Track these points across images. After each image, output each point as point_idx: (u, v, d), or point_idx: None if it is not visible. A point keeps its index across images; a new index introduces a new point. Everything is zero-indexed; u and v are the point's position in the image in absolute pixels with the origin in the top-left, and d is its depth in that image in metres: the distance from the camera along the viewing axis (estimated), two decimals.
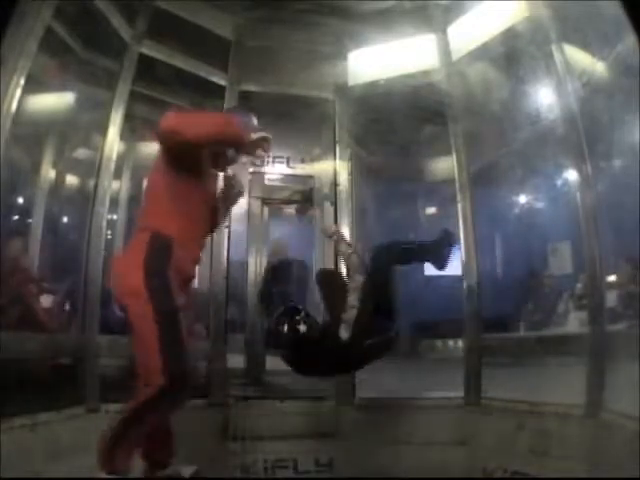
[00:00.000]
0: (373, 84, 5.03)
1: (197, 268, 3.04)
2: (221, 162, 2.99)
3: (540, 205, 8.05)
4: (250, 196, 5.77)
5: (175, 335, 2.45)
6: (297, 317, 3.10)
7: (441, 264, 3.44)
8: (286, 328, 3.07)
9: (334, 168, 4.98)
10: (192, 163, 2.68)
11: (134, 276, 2.47)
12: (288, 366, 3.29)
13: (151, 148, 5.45)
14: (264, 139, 2.75)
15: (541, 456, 3.38)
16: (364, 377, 4.48)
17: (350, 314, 3.20)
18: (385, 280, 3.35)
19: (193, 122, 2.56)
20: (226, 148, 2.88)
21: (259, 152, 2.82)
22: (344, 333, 3.14)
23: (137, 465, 2.71)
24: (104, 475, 2.41)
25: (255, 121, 3.09)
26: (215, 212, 3.00)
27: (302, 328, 3.05)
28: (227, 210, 3.20)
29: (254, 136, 2.70)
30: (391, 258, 3.39)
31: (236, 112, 3.13)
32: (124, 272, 2.59)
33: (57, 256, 5.01)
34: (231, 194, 3.11)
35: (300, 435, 4.12)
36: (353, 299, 3.25)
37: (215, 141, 2.65)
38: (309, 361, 3.21)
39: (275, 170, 5.36)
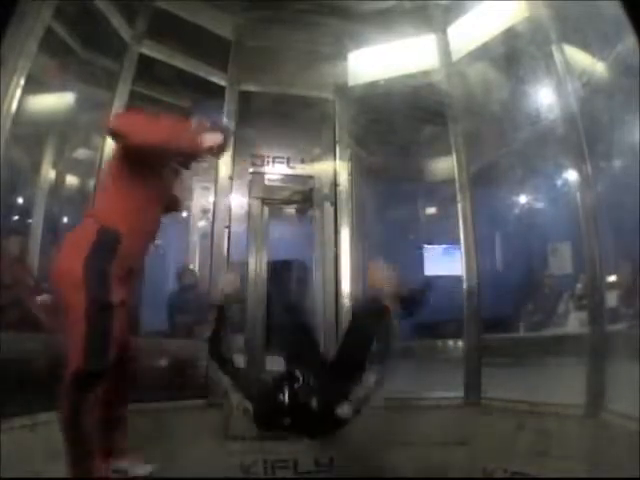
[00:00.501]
0: (373, 84, 5.04)
1: (145, 260, 2.99)
2: (179, 162, 2.95)
3: (540, 205, 8.03)
4: (250, 196, 5.77)
5: (102, 332, 2.43)
6: (295, 385, 2.88)
7: (413, 312, 3.37)
8: (287, 398, 2.84)
9: (334, 168, 4.99)
10: (146, 163, 2.66)
11: (75, 266, 2.44)
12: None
13: None
14: (221, 148, 2.73)
15: (541, 456, 3.38)
16: None
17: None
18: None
19: (142, 128, 2.52)
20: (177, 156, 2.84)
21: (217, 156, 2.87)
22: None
23: None
24: None
25: (222, 121, 3.06)
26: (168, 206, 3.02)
27: (301, 398, 2.85)
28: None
29: (209, 144, 2.64)
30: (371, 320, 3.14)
31: (201, 113, 3.16)
32: (66, 258, 2.54)
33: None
34: (174, 203, 3.12)
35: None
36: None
37: (163, 150, 2.62)
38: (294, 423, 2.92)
39: (275, 170, 5.36)
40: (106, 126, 2.57)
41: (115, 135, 2.54)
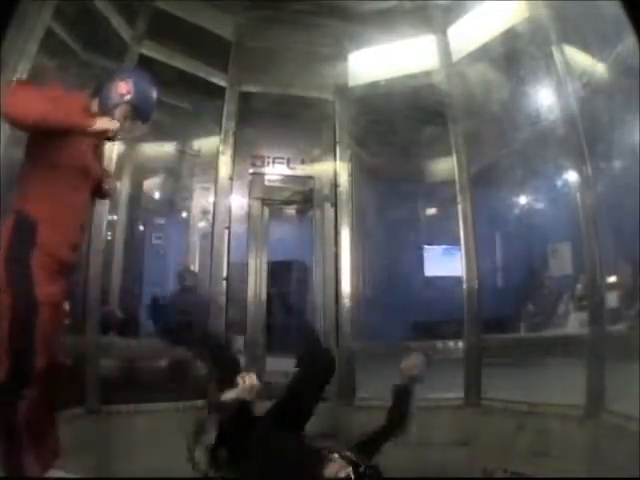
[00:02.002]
0: (373, 85, 5.04)
1: (78, 254, 2.78)
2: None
3: (540, 206, 8.03)
4: (250, 197, 5.78)
5: (28, 331, 2.27)
6: None
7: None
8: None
9: (334, 169, 4.99)
10: (48, 138, 2.43)
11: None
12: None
13: (151, 149, 5.47)
14: (107, 131, 2.50)
15: (541, 456, 3.38)
16: (365, 378, 4.49)
17: None
18: None
19: (20, 99, 2.31)
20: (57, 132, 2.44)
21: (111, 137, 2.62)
22: None
23: None
24: None
25: (149, 107, 2.82)
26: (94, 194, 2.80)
27: None
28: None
29: (101, 127, 2.45)
30: None
31: (134, 83, 2.78)
32: None
33: None
34: (102, 191, 2.86)
35: None
36: None
37: (39, 125, 2.29)
38: None
39: (275, 171, 5.36)
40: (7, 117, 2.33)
41: (2, 113, 2.31)
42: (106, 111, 2.63)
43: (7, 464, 2.28)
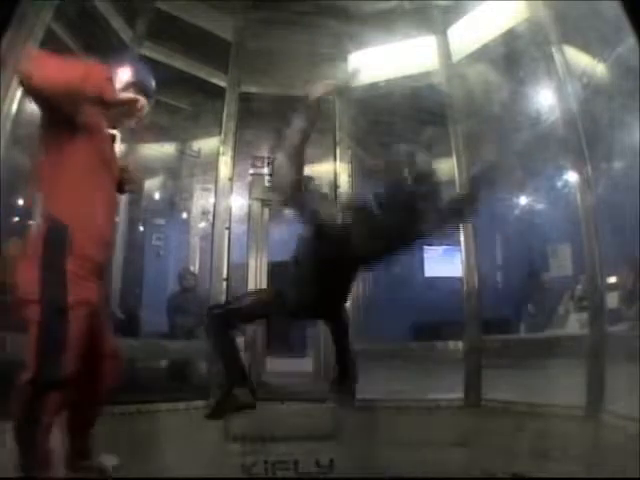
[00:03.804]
0: (373, 85, 5.03)
1: (110, 252, 2.80)
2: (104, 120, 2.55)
3: (540, 206, 8.04)
4: (250, 197, 5.78)
5: (57, 337, 2.24)
6: None
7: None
8: None
9: (334, 169, 4.98)
10: (69, 125, 2.35)
11: (30, 271, 2.27)
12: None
13: (151, 149, 5.47)
14: (133, 101, 2.49)
15: (541, 457, 3.38)
16: (364, 379, 4.49)
17: None
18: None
19: (49, 69, 2.22)
20: (83, 103, 2.36)
21: (128, 116, 2.61)
22: None
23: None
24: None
25: (152, 83, 2.83)
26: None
27: None
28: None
29: (123, 99, 2.43)
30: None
31: (130, 65, 2.78)
32: (21, 266, 2.37)
33: None
34: (130, 186, 2.83)
35: (301, 436, 4.12)
36: None
37: (66, 91, 2.21)
38: None
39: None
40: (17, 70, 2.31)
41: (21, 77, 2.30)
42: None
43: (25, 463, 2.25)
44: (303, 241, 2.98)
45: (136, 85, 2.70)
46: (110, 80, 2.35)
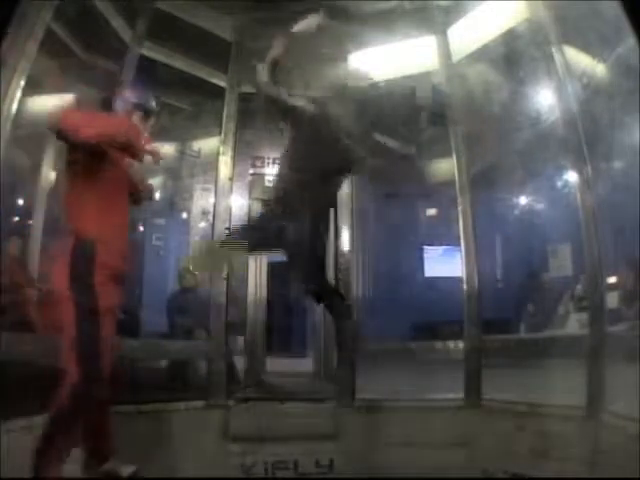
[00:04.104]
0: (373, 85, 5.03)
1: (129, 261, 3.07)
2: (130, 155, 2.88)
3: (540, 206, 8.05)
4: (250, 197, 5.77)
5: (93, 338, 2.57)
6: None
7: None
8: None
9: None
10: (102, 163, 2.73)
11: (61, 281, 2.61)
12: None
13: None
14: (156, 152, 2.88)
15: (541, 457, 3.38)
16: (364, 379, 4.49)
17: None
18: None
19: (89, 123, 2.57)
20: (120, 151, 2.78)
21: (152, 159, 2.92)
22: None
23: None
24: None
25: (153, 103, 3.15)
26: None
27: None
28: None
29: (148, 147, 2.82)
30: None
31: (134, 89, 3.25)
32: (54, 277, 2.70)
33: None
34: (140, 197, 3.18)
35: (300, 436, 4.11)
36: None
37: (108, 144, 2.65)
38: None
39: (275, 172, 5.35)
40: (51, 125, 2.57)
41: (63, 132, 2.56)
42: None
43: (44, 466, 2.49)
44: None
45: (140, 106, 3.02)
46: (141, 134, 2.79)
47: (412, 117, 5.20)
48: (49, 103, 4.54)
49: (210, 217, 5.00)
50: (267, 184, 5.69)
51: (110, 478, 2.81)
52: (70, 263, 2.62)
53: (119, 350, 2.97)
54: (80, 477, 2.83)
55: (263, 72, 3.53)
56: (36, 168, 4.65)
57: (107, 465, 2.82)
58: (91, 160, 2.69)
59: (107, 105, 3.03)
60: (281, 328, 9.40)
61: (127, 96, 3.03)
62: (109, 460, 2.84)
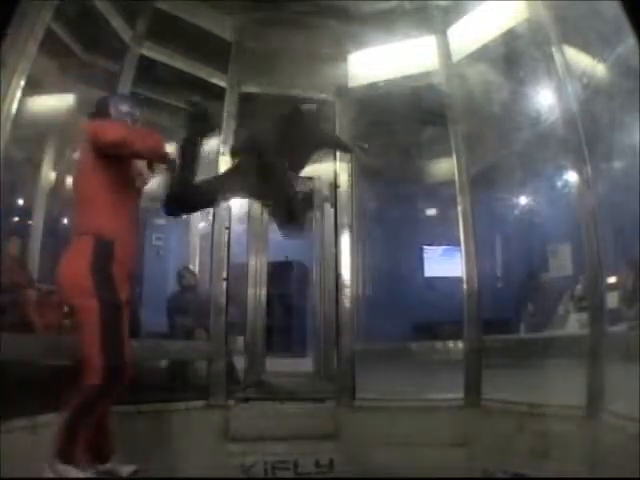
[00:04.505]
0: (373, 86, 5.03)
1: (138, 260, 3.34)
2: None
3: (540, 206, 8.06)
4: None
5: (117, 331, 2.70)
6: None
7: None
8: None
9: (334, 170, 4.97)
10: (122, 171, 2.94)
11: (83, 278, 2.71)
12: None
13: None
14: (170, 158, 3.04)
15: (541, 457, 3.38)
16: (364, 379, 4.50)
17: None
18: None
19: (139, 137, 2.86)
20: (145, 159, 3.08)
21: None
22: None
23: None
24: (60, 466, 2.59)
25: (137, 112, 3.27)
26: None
27: None
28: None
29: (170, 156, 3.00)
30: None
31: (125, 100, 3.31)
32: (72, 275, 2.79)
33: (57, 257, 5.01)
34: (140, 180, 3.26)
35: (300, 436, 4.12)
36: None
37: (148, 156, 2.99)
38: None
39: None
40: (100, 140, 2.77)
41: (118, 145, 2.76)
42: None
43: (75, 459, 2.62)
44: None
45: (129, 114, 3.16)
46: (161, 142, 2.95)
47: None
48: (49, 103, 4.56)
49: (210, 217, 4.99)
50: None
51: (110, 478, 2.84)
52: (91, 262, 2.73)
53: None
54: (80, 477, 2.83)
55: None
56: (36, 167, 4.66)
57: (107, 465, 2.85)
58: (112, 164, 2.86)
59: (101, 108, 3.12)
60: (281, 328, 9.41)
61: (119, 106, 3.13)
62: (110, 460, 2.88)
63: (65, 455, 2.61)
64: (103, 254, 2.76)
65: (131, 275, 3.00)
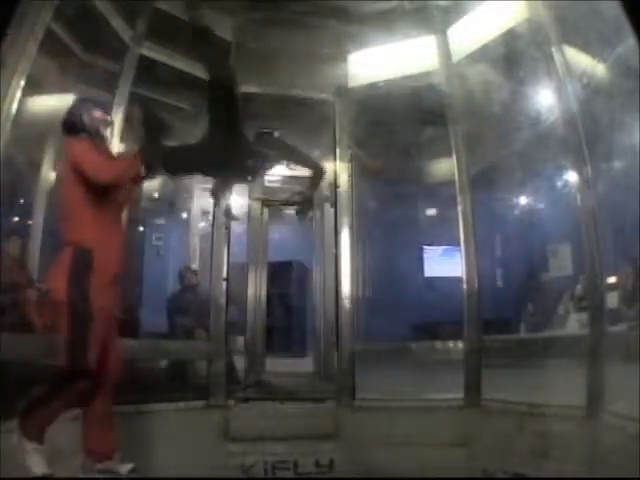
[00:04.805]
0: (373, 86, 5.03)
1: (125, 263, 3.28)
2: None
3: (540, 206, 8.05)
4: (250, 197, 5.78)
5: (83, 337, 2.80)
6: None
7: None
8: None
9: (334, 170, 4.98)
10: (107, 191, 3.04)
11: (60, 286, 2.85)
12: None
13: None
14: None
15: (541, 457, 3.38)
16: (364, 379, 4.50)
17: None
18: None
19: (125, 170, 3.06)
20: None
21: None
22: None
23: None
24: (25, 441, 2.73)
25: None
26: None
27: None
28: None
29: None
30: None
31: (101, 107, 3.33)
32: (53, 282, 2.95)
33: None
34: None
35: (300, 436, 4.12)
36: None
37: (131, 182, 3.17)
38: None
39: (275, 172, 5.35)
40: (96, 179, 2.91)
41: (112, 182, 2.96)
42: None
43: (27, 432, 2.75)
44: None
45: (103, 122, 3.20)
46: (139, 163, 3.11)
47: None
48: (49, 103, 4.55)
49: (210, 217, 5.00)
50: (267, 184, 5.70)
51: (108, 476, 2.91)
52: (69, 270, 2.86)
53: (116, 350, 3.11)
54: (79, 477, 2.84)
55: None
56: (36, 167, 4.65)
57: (107, 463, 2.94)
58: (99, 191, 2.97)
59: (74, 119, 3.14)
60: (281, 328, 9.42)
61: (92, 114, 3.14)
62: (111, 459, 2.96)
63: (24, 430, 2.75)
64: (81, 263, 2.88)
65: (117, 280, 3.08)
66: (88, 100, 3.27)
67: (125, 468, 2.96)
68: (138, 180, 3.26)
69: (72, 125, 3.10)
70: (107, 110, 3.33)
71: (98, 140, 3.11)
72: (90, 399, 2.93)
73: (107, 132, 3.28)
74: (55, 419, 2.84)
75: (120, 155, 3.34)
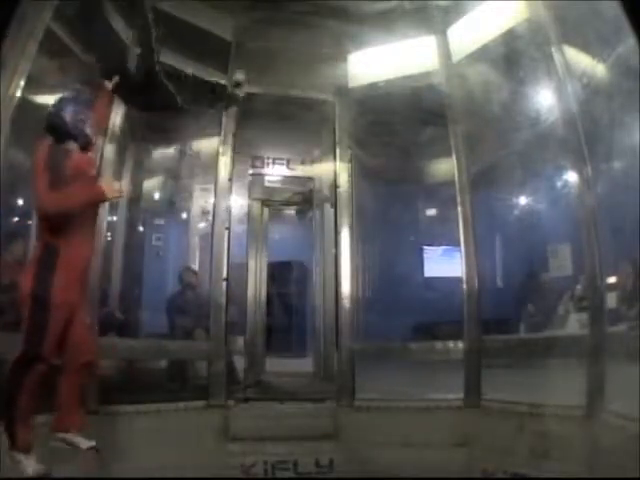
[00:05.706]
0: (373, 86, 5.03)
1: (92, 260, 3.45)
2: None
3: (540, 207, 8.03)
4: (250, 197, 5.78)
5: (40, 326, 2.96)
6: None
7: None
8: None
9: (334, 170, 4.98)
10: None
11: (27, 280, 3.02)
12: None
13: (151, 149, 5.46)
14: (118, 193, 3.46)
15: (541, 457, 3.38)
16: (364, 379, 4.50)
17: None
18: None
19: (69, 202, 3.03)
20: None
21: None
22: None
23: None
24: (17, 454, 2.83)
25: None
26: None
27: None
28: None
29: (112, 195, 3.25)
30: None
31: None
32: (22, 276, 3.10)
33: None
34: None
35: (300, 436, 4.12)
36: None
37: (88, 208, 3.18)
38: None
39: (275, 172, 5.36)
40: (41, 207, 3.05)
41: (53, 213, 3.02)
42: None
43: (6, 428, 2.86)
44: None
45: (83, 121, 3.20)
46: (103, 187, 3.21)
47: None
48: (49, 103, 4.55)
49: (210, 217, 5.00)
50: (267, 184, 5.70)
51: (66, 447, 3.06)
52: (36, 266, 3.04)
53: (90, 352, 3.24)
54: (79, 477, 2.84)
55: None
56: None
57: (67, 434, 3.08)
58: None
59: (57, 120, 3.13)
60: (281, 328, 9.41)
61: (74, 113, 3.16)
62: (69, 431, 3.09)
63: (12, 443, 2.84)
64: (47, 259, 3.02)
65: (84, 279, 3.26)
66: (67, 99, 3.22)
67: (86, 443, 3.07)
68: (98, 202, 3.30)
69: (55, 128, 3.09)
70: (87, 106, 3.29)
71: (81, 141, 3.16)
72: (51, 382, 3.05)
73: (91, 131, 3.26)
74: (31, 417, 2.93)
75: (86, 179, 3.26)
